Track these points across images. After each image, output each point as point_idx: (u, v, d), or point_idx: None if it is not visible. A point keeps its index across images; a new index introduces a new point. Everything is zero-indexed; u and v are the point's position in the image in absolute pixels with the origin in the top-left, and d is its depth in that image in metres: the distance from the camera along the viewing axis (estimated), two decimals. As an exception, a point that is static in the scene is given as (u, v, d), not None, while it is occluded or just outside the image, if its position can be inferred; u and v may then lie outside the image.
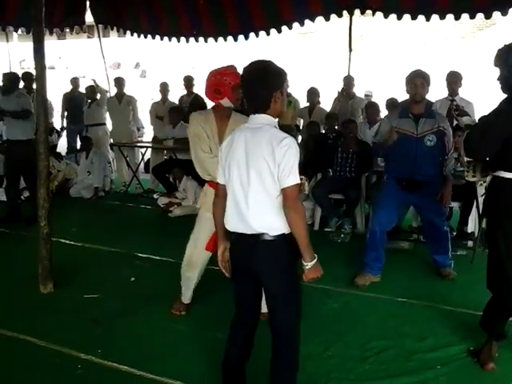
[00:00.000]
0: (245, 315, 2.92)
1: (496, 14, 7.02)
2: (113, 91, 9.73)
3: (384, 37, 24.88)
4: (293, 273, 2.73)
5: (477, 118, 6.33)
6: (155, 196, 8.23)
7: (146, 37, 9.71)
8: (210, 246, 3.96)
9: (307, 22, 8.07)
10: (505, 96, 3.26)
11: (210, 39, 9.18)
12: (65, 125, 10.51)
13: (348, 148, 6.71)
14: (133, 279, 5.09)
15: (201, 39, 9.27)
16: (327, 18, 7.94)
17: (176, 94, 9.95)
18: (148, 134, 10.45)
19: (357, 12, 7.84)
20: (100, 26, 10.21)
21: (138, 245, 6.04)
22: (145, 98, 14.54)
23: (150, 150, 9.27)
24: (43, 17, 4.66)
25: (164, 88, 9.44)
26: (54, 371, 3.49)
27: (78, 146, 9.97)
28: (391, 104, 7.63)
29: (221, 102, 3.75)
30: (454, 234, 6.42)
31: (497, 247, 3.28)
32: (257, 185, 2.60)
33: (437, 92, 7.38)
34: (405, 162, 4.72)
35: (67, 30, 10.33)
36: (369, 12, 7.79)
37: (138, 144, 9.45)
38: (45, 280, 4.73)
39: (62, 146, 10.47)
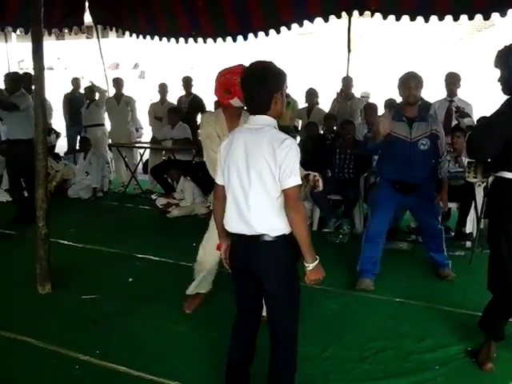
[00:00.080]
0: (246, 316, 2.92)
1: (495, 15, 7.03)
2: (111, 92, 9.73)
3: (383, 38, 24.88)
4: (293, 273, 2.73)
5: (475, 119, 6.38)
6: (153, 197, 8.23)
7: (144, 37, 9.71)
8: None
9: (306, 22, 8.08)
10: (505, 97, 3.26)
11: (209, 40, 9.18)
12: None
13: (346, 149, 6.72)
14: (131, 280, 5.09)
15: (199, 40, 9.27)
16: (326, 19, 7.95)
17: (175, 95, 9.96)
18: (146, 134, 10.46)
19: (355, 13, 7.85)
20: (99, 26, 10.23)
21: (137, 245, 6.04)
22: (143, 98, 14.54)
23: (148, 150, 9.27)
24: (42, 17, 4.65)
25: (163, 89, 9.44)
26: (52, 372, 3.48)
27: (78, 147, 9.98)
28: (390, 105, 7.62)
29: (231, 101, 3.71)
30: (453, 234, 6.44)
31: (499, 248, 3.28)
32: (257, 186, 2.59)
33: (435, 93, 7.40)
34: (399, 165, 4.71)
35: (66, 31, 10.34)
36: (367, 13, 7.80)
37: (137, 145, 9.46)
38: (43, 281, 4.73)
39: (62, 146, 10.46)
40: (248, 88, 2.68)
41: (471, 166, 3.59)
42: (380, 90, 13.15)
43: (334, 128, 7.64)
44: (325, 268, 2.70)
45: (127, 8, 9.29)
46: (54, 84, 19.06)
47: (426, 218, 4.95)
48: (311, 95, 8.70)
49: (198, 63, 24.93)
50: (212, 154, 3.82)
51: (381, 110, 7.94)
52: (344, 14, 7.89)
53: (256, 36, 8.61)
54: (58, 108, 10.80)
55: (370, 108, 7.59)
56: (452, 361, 3.58)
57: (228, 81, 3.64)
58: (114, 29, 10.02)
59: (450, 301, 4.51)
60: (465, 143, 3.46)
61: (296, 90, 9.21)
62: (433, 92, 7.76)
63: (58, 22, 9.48)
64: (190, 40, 9.34)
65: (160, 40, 9.64)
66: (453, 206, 6.29)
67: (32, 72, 4.88)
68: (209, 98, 9.64)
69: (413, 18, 7.39)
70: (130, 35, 9.92)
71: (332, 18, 7.94)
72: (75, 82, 10.60)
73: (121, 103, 9.25)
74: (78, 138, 10.02)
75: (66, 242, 6.14)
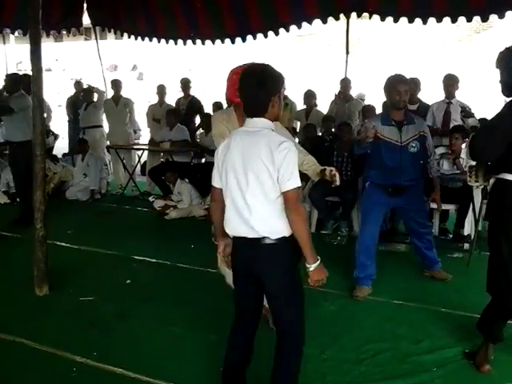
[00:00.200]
0: (245, 318, 2.92)
1: (493, 17, 7.04)
2: (109, 93, 9.73)
3: (381, 40, 24.93)
4: (295, 275, 2.74)
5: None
6: (151, 199, 8.22)
7: (143, 39, 9.72)
8: None
9: (304, 24, 8.08)
10: (504, 99, 3.26)
11: (208, 41, 9.20)
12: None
13: (343, 151, 6.72)
14: (129, 281, 5.08)
15: (198, 41, 9.29)
16: (324, 21, 7.96)
17: (173, 97, 9.97)
18: (145, 136, 10.46)
19: (353, 15, 7.86)
20: (97, 28, 10.21)
21: (134, 247, 6.03)
22: (142, 100, 14.52)
23: (146, 152, 9.26)
24: (40, 19, 4.65)
25: (161, 90, 9.45)
26: (49, 374, 3.48)
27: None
28: (370, 111, 7.63)
29: None
30: (451, 236, 6.44)
31: (499, 250, 3.27)
32: (255, 188, 2.59)
33: (434, 95, 7.41)
34: (390, 169, 4.66)
35: (64, 32, 10.33)
36: (365, 15, 7.81)
37: (135, 146, 9.45)
38: (40, 282, 4.72)
39: (60, 148, 10.46)
40: (245, 91, 2.69)
41: (472, 170, 3.58)
42: (378, 91, 13.16)
43: (333, 130, 7.64)
44: (323, 270, 2.70)
45: (125, 9, 9.30)
46: (52, 86, 19.07)
47: (417, 217, 4.94)
48: (309, 97, 8.71)
49: (197, 65, 24.96)
50: None
51: (379, 112, 7.95)
52: (342, 15, 7.89)
53: (254, 38, 8.62)
54: (55, 110, 10.79)
55: (368, 110, 7.59)
56: (450, 363, 3.58)
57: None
58: (112, 30, 10.04)
59: (448, 302, 4.51)
60: (468, 145, 3.45)
61: (294, 92, 9.22)
62: (431, 94, 7.79)
63: (56, 24, 9.48)
64: (189, 42, 9.36)
65: (158, 42, 9.64)
66: (451, 207, 6.30)
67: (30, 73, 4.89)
68: (207, 99, 9.68)
69: (411, 20, 7.40)
70: (129, 37, 9.93)
71: (330, 19, 7.95)
72: (77, 85, 10.62)
73: (119, 105, 9.25)
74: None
75: (63, 244, 6.14)
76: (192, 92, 9.47)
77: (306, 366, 3.39)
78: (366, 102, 8.97)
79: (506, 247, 3.23)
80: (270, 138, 2.59)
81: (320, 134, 8.00)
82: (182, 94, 9.55)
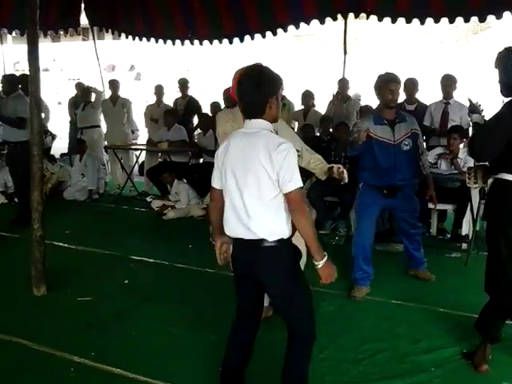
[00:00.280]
0: (246, 319, 2.92)
1: (490, 18, 7.04)
2: (107, 94, 9.72)
3: (379, 40, 24.93)
4: (296, 276, 2.74)
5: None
6: (149, 199, 8.22)
7: (140, 39, 9.70)
8: None
9: (302, 24, 8.07)
10: (501, 99, 3.26)
11: (205, 42, 9.17)
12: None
13: (341, 151, 6.72)
14: (126, 282, 5.08)
15: (196, 42, 9.25)
16: (322, 21, 7.95)
17: (171, 97, 9.95)
18: (142, 136, 10.44)
19: (351, 15, 7.85)
20: (95, 28, 10.19)
21: (132, 247, 6.03)
22: (139, 100, 14.53)
23: (144, 152, 9.25)
24: (37, 19, 4.64)
25: (159, 90, 9.44)
26: (46, 374, 3.47)
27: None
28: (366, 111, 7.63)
29: None
30: (449, 236, 6.45)
31: (498, 250, 3.27)
32: (254, 189, 2.60)
33: (431, 95, 7.42)
34: (385, 169, 4.64)
35: (61, 33, 10.30)
36: (363, 15, 7.80)
37: (133, 146, 9.44)
38: (38, 283, 4.71)
39: (58, 148, 10.44)
40: (243, 92, 2.70)
41: (471, 172, 3.59)
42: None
43: (330, 130, 7.64)
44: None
45: (123, 10, 9.28)
46: (49, 86, 19.05)
47: (408, 217, 4.93)
48: (307, 97, 8.71)
49: (194, 65, 24.93)
50: None
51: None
52: (340, 16, 7.89)
53: (252, 38, 8.60)
54: (55, 108, 10.77)
55: (366, 110, 7.58)
56: (448, 362, 3.58)
57: None
58: (109, 31, 10.02)
59: (446, 302, 4.51)
60: (467, 143, 3.45)
61: (292, 92, 9.22)
62: (429, 94, 7.79)
63: (53, 24, 9.45)
64: (186, 42, 9.33)
65: (156, 42, 9.62)
66: (449, 207, 6.30)
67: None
68: (205, 100, 9.68)
69: (408, 21, 7.39)
70: (126, 37, 9.90)
71: (328, 20, 7.95)
72: (78, 86, 10.59)
73: (117, 105, 9.25)
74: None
75: (61, 244, 6.13)
76: (190, 92, 9.46)
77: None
78: (363, 102, 8.96)
79: (504, 247, 3.23)
80: (269, 139, 2.60)
81: (318, 134, 8.00)
82: (179, 94, 9.54)
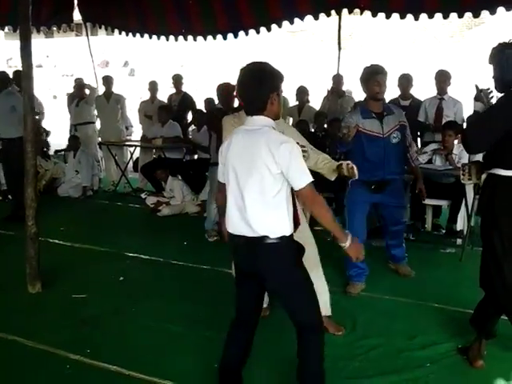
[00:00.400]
0: (245, 317, 2.92)
1: (484, 13, 7.03)
2: (101, 90, 9.68)
3: (373, 35, 24.95)
4: (298, 272, 2.74)
5: (465, 116, 6.39)
6: (143, 195, 8.21)
7: (134, 35, 9.65)
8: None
9: (296, 20, 8.06)
10: (497, 94, 3.26)
11: (199, 38, 9.13)
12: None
13: (335, 147, 6.70)
14: (121, 278, 5.07)
15: (190, 38, 9.22)
16: (316, 17, 7.94)
17: (165, 93, 9.93)
18: (137, 132, 10.42)
19: (345, 11, 7.84)
20: (88, 24, 10.14)
21: (127, 244, 6.02)
22: (133, 96, 14.49)
23: (138, 148, 9.23)
24: (30, 15, 4.62)
25: (153, 87, 9.41)
26: (42, 371, 3.47)
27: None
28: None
29: None
30: (443, 232, 6.46)
31: (492, 245, 3.27)
32: (256, 187, 2.60)
33: (426, 91, 7.42)
34: (374, 163, 4.57)
35: (54, 29, 10.26)
36: (357, 11, 7.79)
37: (127, 143, 9.41)
38: (33, 280, 4.70)
39: (53, 145, 10.40)
40: (244, 89, 2.71)
41: (465, 168, 3.59)
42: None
43: (325, 126, 7.63)
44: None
45: (116, 5, 9.22)
46: (43, 82, 18.97)
47: (394, 213, 4.92)
48: (302, 93, 8.71)
49: (189, 61, 24.89)
50: None
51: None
52: (333, 12, 7.88)
53: (247, 34, 8.58)
54: (50, 102, 10.71)
55: (361, 106, 7.59)
56: (443, 358, 3.58)
57: None
58: (103, 26, 9.97)
59: (441, 298, 4.52)
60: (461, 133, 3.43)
61: (287, 88, 9.14)
62: (423, 90, 7.80)
63: (46, 20, 9.39)
64: (180, 38, 9.29)
65: (150, 38, 9.58)
66: (443, 203, 6.32)
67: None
68: (199, 95, 9.65)
69: (402, 16, 7.38)
70: (120, 33, 9.86)
71: (322, 15, 7.93)
72: (78, 81, 10.53)
73: (110, 101, 9.21)
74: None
75: (55, 241, 6.11)
76: (184, 88, 9.43)
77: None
78: (355, 98, 8.96)
79: (498, 242, 3.24)
80: (270, 136, 2.60)
81: (312, 130, 8.00)
82: (173, 90, 9.51)
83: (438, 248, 5.93)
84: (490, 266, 3.32)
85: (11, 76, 7.38)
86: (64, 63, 27.57)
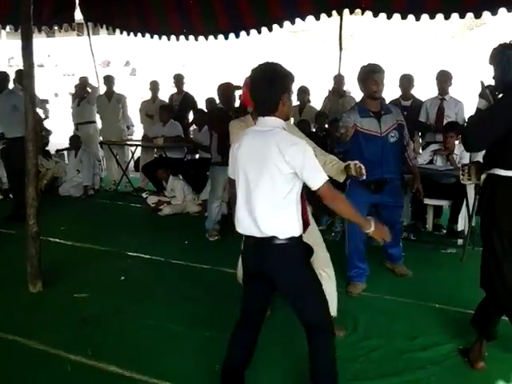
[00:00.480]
0: (251, 318, 2.92)
1: (486, 14, 7.03)
2: (102, 89, 9.68)
3: (375, 36, 24.94)
4: (306, 273, 2.75)
5: (466, 116, 6.37)
6: (144, 195, 8.20)
7: (135, 35, 9.66)
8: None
9: (298, 20, 8.06)
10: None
11: (201, 37, 9.14)
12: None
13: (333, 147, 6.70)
14: (123, 278, 5.07)
15: (191, 37, 9.23)
16: (317, 17, 7.93)
17: (166, 93, 9.92)
18: (138, 132, 10.42)
19: (346, 11, 7.84)
20: (89, 23, 10.14)
21: (128, 243, 6.02)
22: (135, 96, 14.49)
23: (139, 148, 9.23)
24: (32, 14, 4.62)
25: (154, 86, 9.42)
26: (43, 371, 3.47)
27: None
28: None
29: None
30: (444, 232, 6.45)
31: (492, 246, 3.27)
32: (266, 188, 2.61)
33: (427, 91, 7.41)
34: (373, 163, 4.48)
35: (56, 28, 10.25)
36: (358, 11, 7.78)
37: (128, 142, 9.41)
38: (34, 279, 4.70)
39: (54, 144, 10.39)
40: (256, 90, 2.72)
41: (465, 169, 3.58)
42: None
43: (326, 126, 7.62)
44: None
45: (118, 5, 9.23)
46: (44, 81, 18.97)
47: (392, 213, 4.91)
48: (303, 93, 8.70)
49: (190, 61, 24.89)
50: None
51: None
52: (335, 12, 7.87)
53: (248, 34, 8.58)
54: (52, 99, 10.70)
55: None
56: (444, 359, 3.58)
57: None
58: (104, 26, 9.97)
59: (442, 298, 4.51)
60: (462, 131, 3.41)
61: (288, 88, 9.18)
62: (424, 90, 7.79)
63: (48, 20, 9.40)
64: (182, 37, 9.30)
65: (151, 37, 9.59)
66: (444, 203, 6.31)
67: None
68: (200, 95, 9.64)
69: (404, 17, 7.38)
70: (121, 33, 9.87)
71: (323, 15, 7.93)
72: (82, 80, 10.53)
73: (112, 101, 9.22)
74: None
75: (56, 240, 6.12)
76: (185, 88, 9.43)
77: (299, 364, 3.41)
78: (357, 98, 8.95)
79: (498, 242, 3.24)
80: (281, 136, 2.61)
81: (313, 130, 7.99)
82: (175, 90, 9.50)
83: (438, 248, 5.92)
84: (490, 266, 3.32)
85: (13, 75, 7.39)
86: (65, 63, 27.57)
